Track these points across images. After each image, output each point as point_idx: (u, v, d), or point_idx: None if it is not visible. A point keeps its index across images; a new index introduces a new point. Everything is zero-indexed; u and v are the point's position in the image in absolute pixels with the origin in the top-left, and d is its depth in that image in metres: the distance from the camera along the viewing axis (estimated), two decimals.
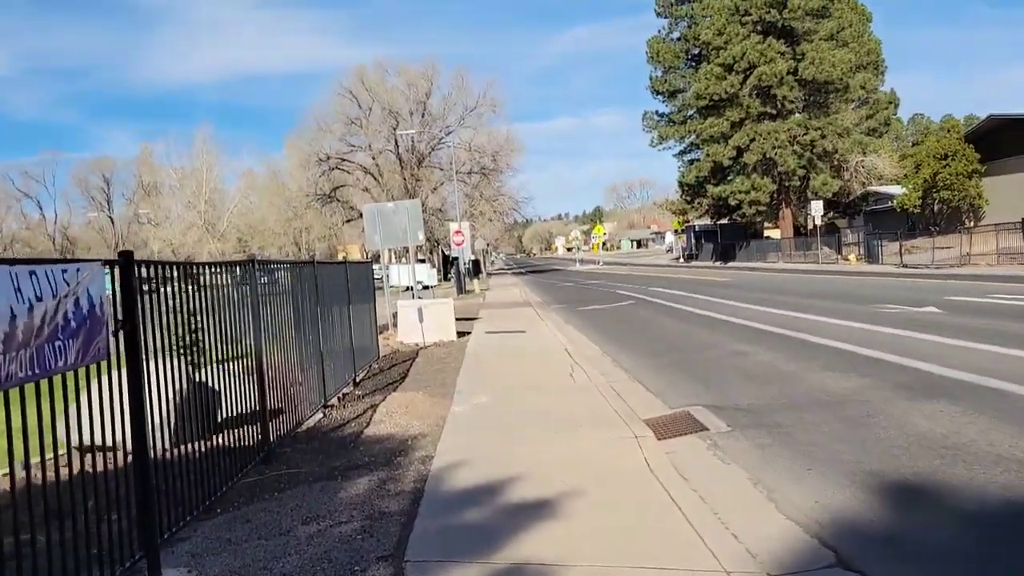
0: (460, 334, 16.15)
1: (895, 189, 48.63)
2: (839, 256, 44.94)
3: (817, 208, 44.20)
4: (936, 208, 41.97)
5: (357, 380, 10.80)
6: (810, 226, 58.53)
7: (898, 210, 44.23)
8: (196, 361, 6.04)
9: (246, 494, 5.75)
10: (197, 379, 6.30)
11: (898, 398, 7.57)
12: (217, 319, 5.99)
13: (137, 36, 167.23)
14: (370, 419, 7.98)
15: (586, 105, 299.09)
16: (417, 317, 15.14)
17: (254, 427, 6.57)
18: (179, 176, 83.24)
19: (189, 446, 5.98)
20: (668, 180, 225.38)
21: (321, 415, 8.38)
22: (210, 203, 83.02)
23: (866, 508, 4.78)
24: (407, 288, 41.44)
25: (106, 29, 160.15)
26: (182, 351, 5.68)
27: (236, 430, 6.40)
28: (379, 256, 19.20)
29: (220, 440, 6.16)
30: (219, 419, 6.81)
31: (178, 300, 5.33)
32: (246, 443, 6.46)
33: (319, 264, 8.93)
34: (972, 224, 38.91)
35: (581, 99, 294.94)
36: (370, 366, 12.21)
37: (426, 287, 38.72)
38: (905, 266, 33.81)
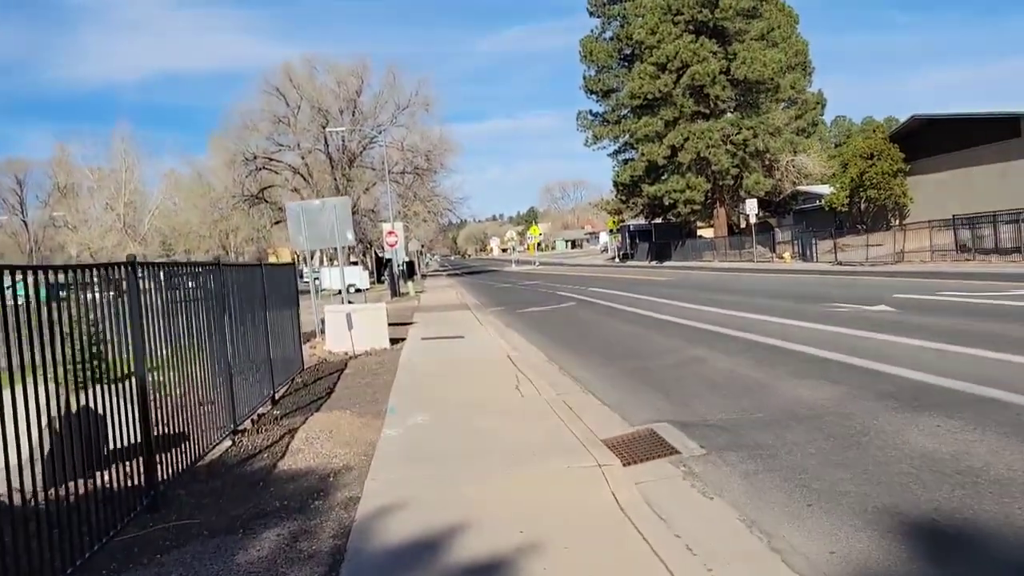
0: (394, 341, 15.01)
1: (822, 188, 49.37)
2: (773, 255, 45.11)
3: (751, 207, 44.28)
4: (863, 207, 42.58)
5: (276, 397, 9.58)
6: (743, 225, 59.00)
7: (827, 209, 44.78)
8: (77, 382, 4.91)
9: (120, 557, 4.56)
10: (78, 404, 5.14)
11: (884, 410, 6.78)
12: (87, 332, 4.81)
13: (54, 35, 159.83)
14: (287, 447, 6.82)
15: (520, 106, 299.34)
16: (346, 324, 13.93)
17: (141, 462, 5.39)
18: (97, 177, 79.53)
19: (62, 489, 4.87)
20: (602, 181, 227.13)
21: (229, 443, 7.18)
22: (130, 205, 79.66)
23: (897, 562, 3.88)
24: (339, 291, 39.96)
25: (19, 27, 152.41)
26: (61, 370, 4.54)
27: (118, 467, 5.24)
28: (308, 258, 17.86)
29: (96, 481, 5.02)
30: (105, 452, 5.66)
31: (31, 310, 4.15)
32: (129, 484, 5.28)
33: (227, 266, 7.71)
34: (898, 222, 39.51)
35: (515, 100, 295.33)
36: (292, 380, 10.97)
37: (358, 290, 37.28)
38: (840, 264, 33.87)
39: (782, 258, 42.29)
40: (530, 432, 6.92)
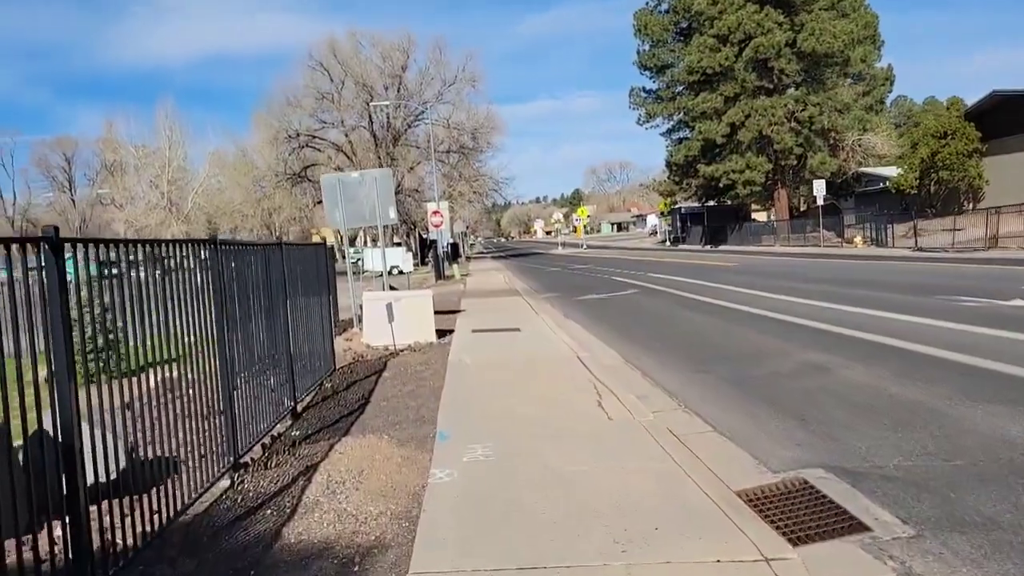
0: (440, 333, 13.14)
1: (886, 170, 46.38)
2: (841, 239, 42.27)
3: (819, 188, 41.38)
4: (932, 189, 39.62)
5: (299, 410, 7.74)
6: (803, 208, 55.96)
7: (893, 191, 41.91)
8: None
9: None
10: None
11: None
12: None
13: (103, 17, 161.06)
14: (299, 499, 4.94)
15: (565, 87, 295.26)
16: (387, 315, 12.07)
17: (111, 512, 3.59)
18: (142, 154, 79.26)
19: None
20: (649, 163, 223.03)
21: (227, 483, 5.34)
22: (175, 183, 79.32)
23: None
24: (381, 274, 38.24)
25: (72, 7, 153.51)
26: None
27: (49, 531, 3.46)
28: (345, 238, 16.09)
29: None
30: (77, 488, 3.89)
31: None
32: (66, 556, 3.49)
33: (225, 244, 5.84)
34: (971, 205, 36.63)
35: (560, 81, 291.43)
36: (321, 385, 9.12)
37: (401, 272, 35.63)
38: (920, 249, 31.16)
39: (852, 243, 39.48)
40: (636, 481, 4.95)
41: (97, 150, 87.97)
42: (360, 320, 13.51)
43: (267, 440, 6.53)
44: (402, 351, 11.71)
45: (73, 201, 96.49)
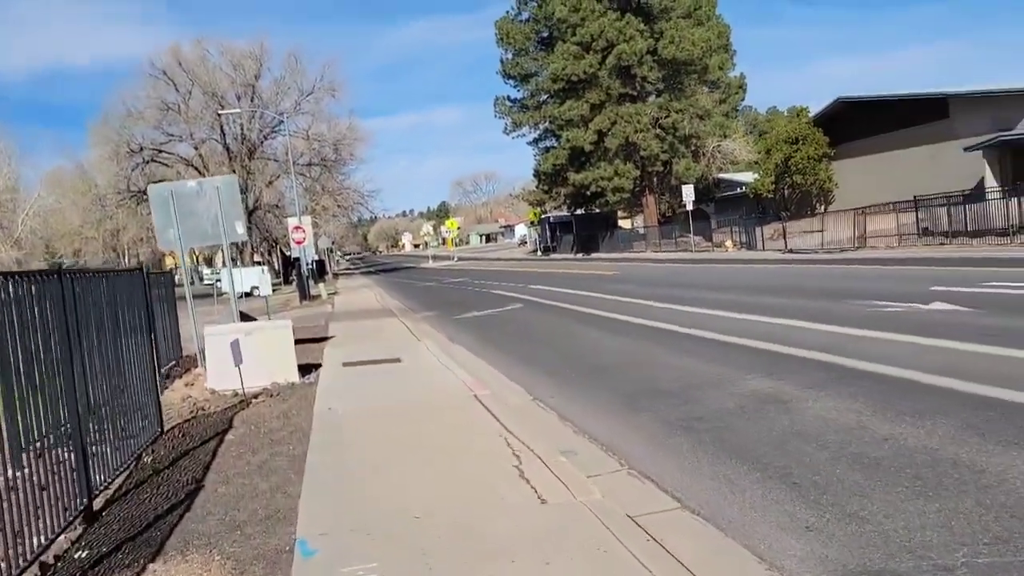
0: (305, 369, 10.95)
1: (742, 176, 47.56)
2: (711, 244, 42.49)
3: (688, 193, 41.41)
4: (787, 193, 40.78)
5: (96, 507, 5.45)
6: (668, 214, 56.41)
7: (751, 195, 42.87)
8: None
9: None
10: None
11: None
12: None
13: None
14: None
15: (427, 101, 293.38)
16: (232, 355, 9.75)
17: None
18: None
19: None
20: (514, 173, 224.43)
21: None
22: (4, 205, 71.76)
23: None
24: (246, 294, 34.94)
25: None
26: None
27: None
28: (183, 261, 13.55)
29: None
30: None
31: None
32: None
33: None
34: (824, 208, 37.81)
35: (422, 95, 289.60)
36: (139, 459, 6.80)
37: (260, 295, 32.61)
38: (791, 251, 31.32)
39: (722, 247, 39.65)
40: None
41: None
42: (204, 357, 11.10)
43: (36, 570, 4.29)
44: (256, 397, 9.45)
45: None
